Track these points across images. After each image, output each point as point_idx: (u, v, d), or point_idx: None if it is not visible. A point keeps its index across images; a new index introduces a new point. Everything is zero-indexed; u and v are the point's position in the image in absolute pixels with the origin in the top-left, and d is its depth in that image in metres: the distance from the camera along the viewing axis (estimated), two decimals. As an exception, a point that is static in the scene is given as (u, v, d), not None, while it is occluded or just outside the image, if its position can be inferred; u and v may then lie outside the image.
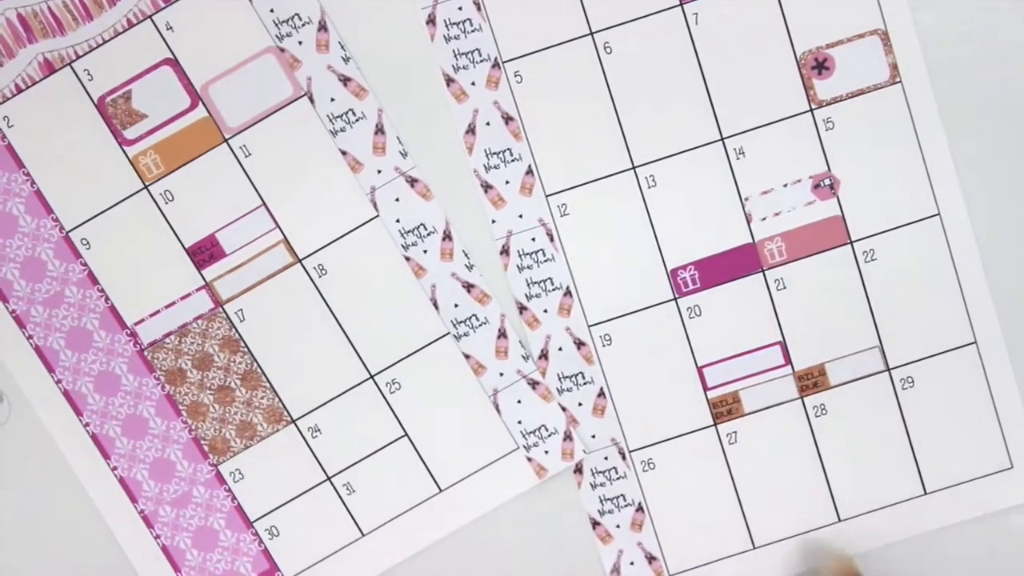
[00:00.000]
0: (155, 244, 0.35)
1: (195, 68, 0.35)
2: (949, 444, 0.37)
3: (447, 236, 0.36)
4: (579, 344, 0.36)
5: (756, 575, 0.37)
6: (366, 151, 0.35)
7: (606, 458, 0.37)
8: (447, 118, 0.35)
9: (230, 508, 0.37)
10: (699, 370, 0.36)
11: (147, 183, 0.35)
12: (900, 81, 0.35)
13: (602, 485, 0.37)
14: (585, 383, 0.36)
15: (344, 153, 0.35)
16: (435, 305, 0.36)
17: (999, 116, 0.36)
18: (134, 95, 0.35)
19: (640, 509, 0.37)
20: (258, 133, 0.35)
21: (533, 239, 0.36)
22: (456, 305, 0.36)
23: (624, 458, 0.37)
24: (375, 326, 0.36)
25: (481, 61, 0.35)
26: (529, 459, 0.36)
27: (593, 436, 0.37)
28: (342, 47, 0.35)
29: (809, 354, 0.36)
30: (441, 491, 0.36)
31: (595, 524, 0.37)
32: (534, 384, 0.36)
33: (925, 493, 0.37)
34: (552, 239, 0.36)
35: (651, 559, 0.37)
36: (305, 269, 0.36)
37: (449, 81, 0.35)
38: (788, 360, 0.36)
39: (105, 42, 0.35)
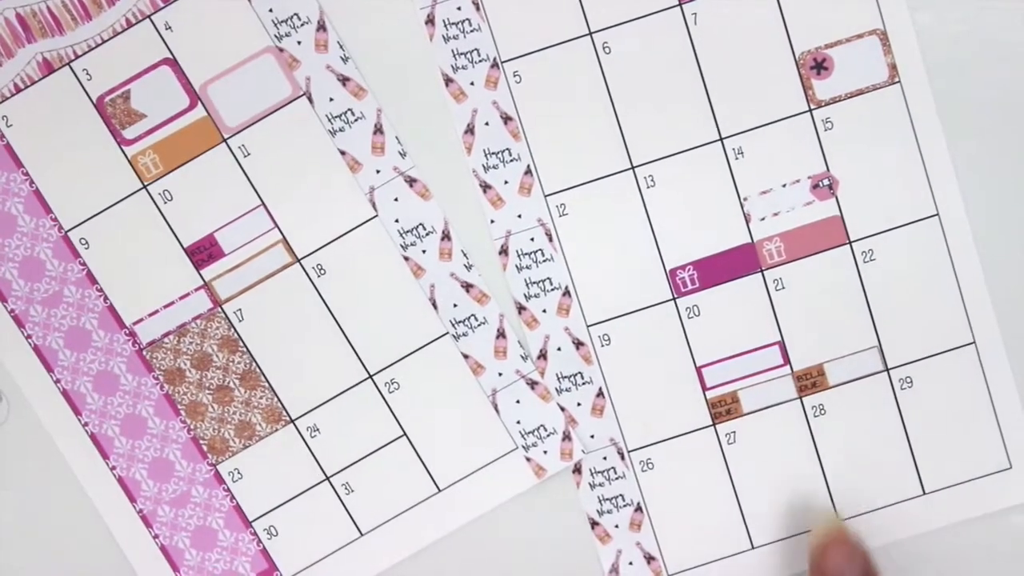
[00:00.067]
0: (154, 244, 0.35)
1: (194, 68, 0.35)
2: (948, 444, 0.37)
3: (446, 236, 0.36)
4: (578, 344, 0.36)
5: (755, 575, 0.37)
6: (365, 151, 0.35)
7: (605, 458, 0.37)
8: (446, 118, 0.35)
9: (229, 508, 0.37)
10: (698, 370, 0.36)
11: (146, 183, 0.35)
12: (899, 81, 0.35)
13: (601, 485, 0.37)
14: (584, 383, 0.36)
15: (343, 153, 0.35)
16: (434, 305, 0.36)
17: (998, 116, 0.36)
18: (133, 95, 0.35)
19: (639, 509, 0.37)
20: (257, 133, 0.35)
21: (532, 239, 0.36)
22: (455, 305, 0.36)
23: (623, 458, 0.37)
24: (374, 326, 0.36)
25: (480, 61, 0.35)
26: (528, 459, 0.36)
27: (592, 436, 0.37)
28: (341, 47, 0.35)
29: (808, 354, 0.36)
30: (440, 491, 0.36)
31: (594, 524, 0.37)
32: (533, 384, 0.36)
33: (924, 493, 0.37)
34: (551, 239, 0.36)
35: (650, 559, 0.37)
36: (304, 269, 0.36)
37: (448, 81, 0.35)
38: (787, 360, 0.36)
39: (104, 42, 0.35)
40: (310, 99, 0.35)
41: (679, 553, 0.37)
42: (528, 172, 0.36)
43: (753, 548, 0.37)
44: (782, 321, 0.36)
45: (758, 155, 0.36)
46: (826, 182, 0.36)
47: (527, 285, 0.36)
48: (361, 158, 0.35)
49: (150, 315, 0.36)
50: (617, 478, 0.37)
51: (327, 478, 0.36)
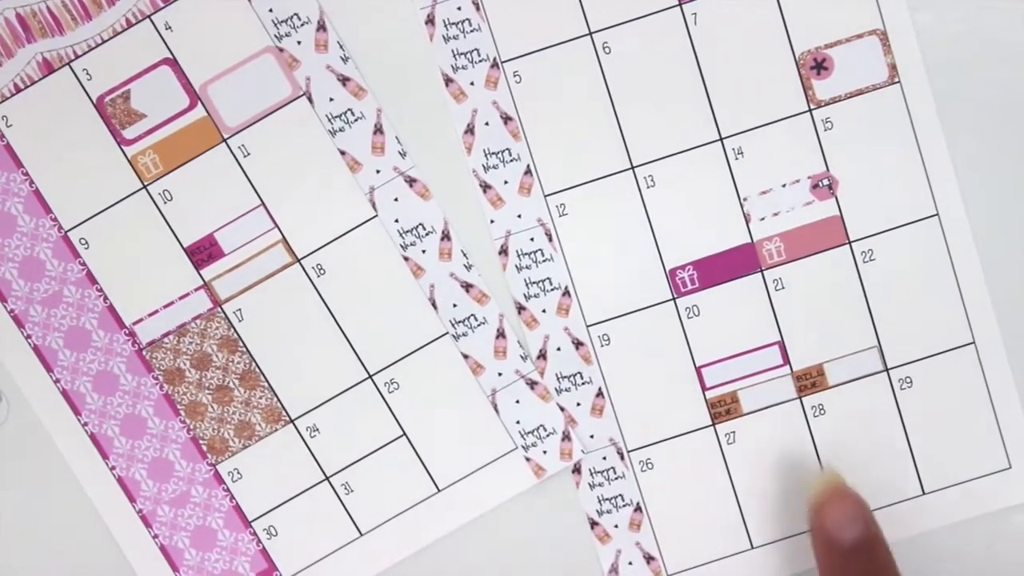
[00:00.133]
0: (154, 244, 0.35)
1: (194, 68, 0.35)
2: (947, 444, 0.37)
3: (446, 236, 0.36)
4: (577, 344, 0.36)
5: (755, 575, 0.37)
6: (365, 151, 0.35)
7: (604, 458, 0.37)
8: (446, 118, 0.35)
9: (228, 508, 0.37)
10: (697, 370, 0.36)
11: (146, 183, 0.35)
12: (899, 81, 0.35)
13: (600, 485, 0.37)
14: (583, 383, 0.36)
15: (343, 153, 0.35)
16: (434, 305, 0.36)
17: (998, 116, 0.36)
18: (133, 95, 0.35)
19: (638, 509, 0.37)
20: (257, 133, 0.35)
21: (532, 239, 0.36)
22: (455, 305, 0.36)
23: (622, 458, 0.37)
24: (374, 326, 0.36)
25: (480, 61, 0.35)
26: (527, 459, 0.36)
27: (591, 436, 0.37)
28: (341, 47, 0.35)
29: (808, 354, 0.36)
30: (439, 491, 0.36)
31: (593, 524, 0.37)
32: (532, 384, 0.36)
33: (923, 493, 0.37)
34: (551, 239, 0.36)
35: (649, 559, 0.37)
36: (304, 269, 0.36)
37: (448, 81, 0.35)
38: (787, 360, 0.36)
39: (104, 42, 0.35)
40: (310, 99, 0.35)
41: (679, 553, 0.37)
42: (528, 172, 0.36)
43: (753, 548, 0.37)
44: (782, 321, 0.36)
45: (758, 155, 0.36)
46: (826, 182, 0.36)
47: (527, 285, 0.36)
48: (361, 158, 0.35)
49: (150, 315, 0.36)
50: (617, 478, 0.37)
51: (327, 478, 0.36)
